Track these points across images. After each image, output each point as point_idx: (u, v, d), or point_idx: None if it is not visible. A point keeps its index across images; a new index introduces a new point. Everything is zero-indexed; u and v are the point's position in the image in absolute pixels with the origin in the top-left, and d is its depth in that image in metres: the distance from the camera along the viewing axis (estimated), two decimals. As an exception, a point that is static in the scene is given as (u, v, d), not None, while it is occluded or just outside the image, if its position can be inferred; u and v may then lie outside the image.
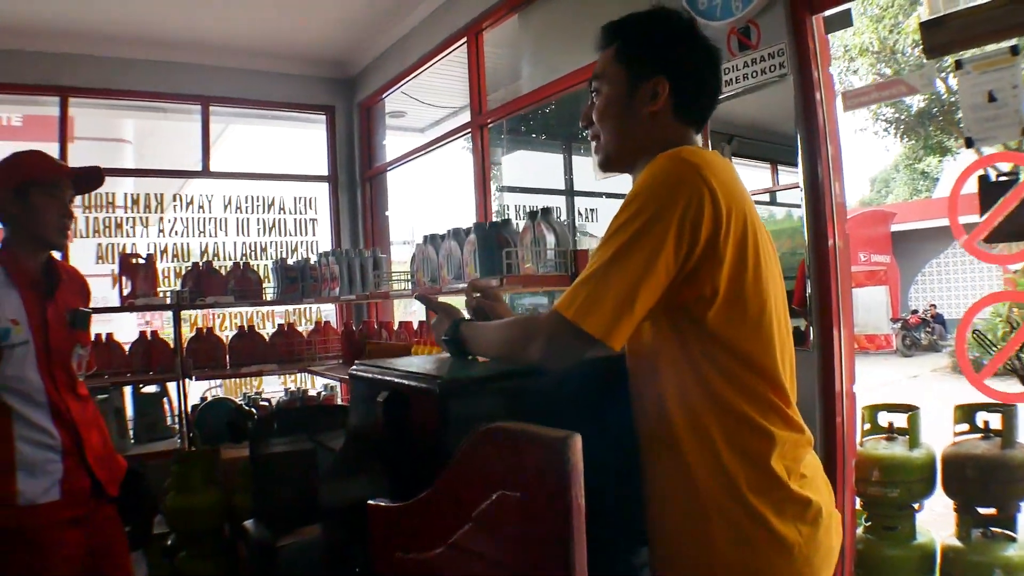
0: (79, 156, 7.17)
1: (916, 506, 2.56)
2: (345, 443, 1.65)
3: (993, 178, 2.40)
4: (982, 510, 2.43)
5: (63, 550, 2.18)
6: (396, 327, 4.25)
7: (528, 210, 5.90)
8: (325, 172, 5.98)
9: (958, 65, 2.37)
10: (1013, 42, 2.27)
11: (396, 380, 1.38)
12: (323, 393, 4.73)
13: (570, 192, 7.52)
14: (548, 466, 0.95)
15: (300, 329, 4.87)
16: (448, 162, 6.08)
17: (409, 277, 3.76)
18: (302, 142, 6.43)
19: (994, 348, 2.40)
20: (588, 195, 7.54)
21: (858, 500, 2.61)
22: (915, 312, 16.77)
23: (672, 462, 1.31)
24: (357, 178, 5.95)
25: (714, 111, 1.52)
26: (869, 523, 2.62)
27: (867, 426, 2.76)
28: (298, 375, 5.03)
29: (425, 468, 1.22)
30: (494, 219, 4.78)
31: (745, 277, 1.28)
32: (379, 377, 1.45)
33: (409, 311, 8.41)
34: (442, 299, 1.98)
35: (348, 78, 5.94)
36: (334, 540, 1.71)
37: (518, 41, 4.40)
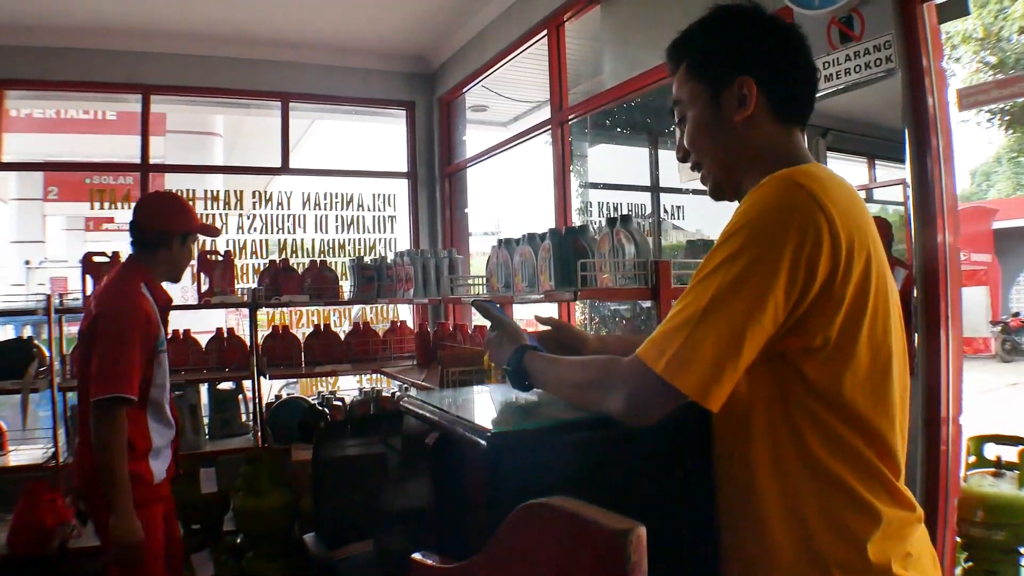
0: (172, 149, 7.44)
1: (1023, 550, 2.29)
2: (396, 469, 1.54)
3: None
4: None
5: (163, 524, 2.62)
6: (471, 331, 4.15)
7: (612, 208, 5.76)
8: (404, 168, 5.94)
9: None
10: None
11: (446, 424, 1.25)
12: (396, 394, 4.67)
13: (656, 188, 7.30)
14: (604, 563, 0.80)
15: (375, 328, 4.83)
16: (530, 158, 5.93)
17: (483, 281, 3.64)
18: (382, 138, 6.41)
19: None
20: (674, 191, 7.31)
21: (959, 539, 2.35)
22: (1016, 315, 15.69)
23: (754, 538, 1.13)
24: (436, 174, 5.88)
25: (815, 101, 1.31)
26: (970, 565, 2.34)
27: (972, 459, 2.48)
28: (372, 375, 4.99)
29: (472, 522, 1.13)
30: (575, 218, 4.64)
31: (863, 325, 1.08)
32: (428, 416, 1.33)
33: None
34: (516, 310, 1.86)
35: (428, 73, 5.87)
36: (387, 558, 1.61)
37: (600, 33, 4.21)
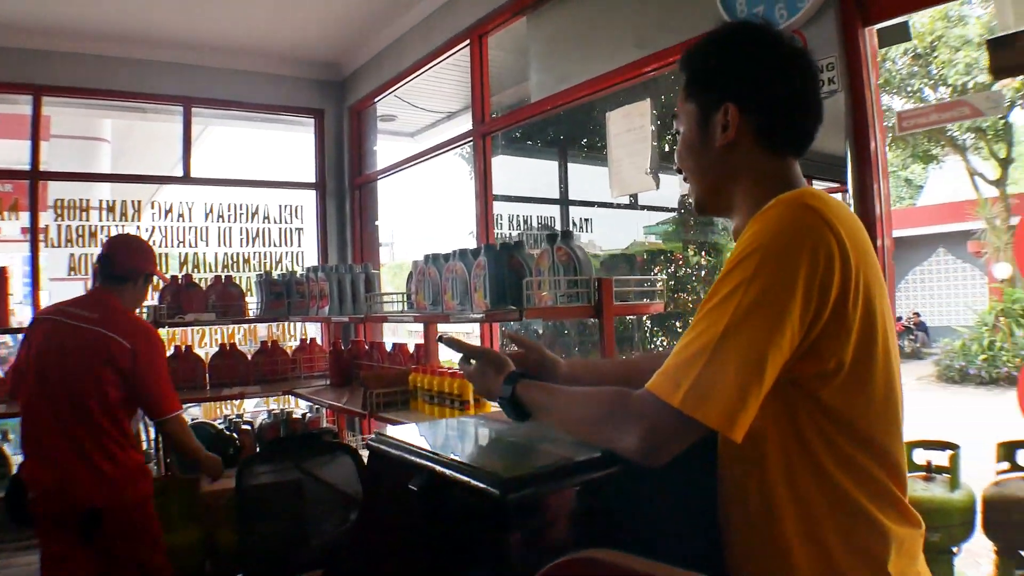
0: (55, 155, 6.87)
1: (955, 549, 2.40)
2: (358, 522, 1.38)
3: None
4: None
5: None
6: (390, 348, 3.97)
7: (520, 221, 5.71)
8: (313, 179, 5.69)
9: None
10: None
11: (439, 468, 1.11)
12: (308, 416, 4.44)
13: (565, 201, 7.32)
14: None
15: (284, 347, 4.58)
16: (440, 170, 5.81)
17: (404, 298, 3.50)
18: (289, 147, 6.15)
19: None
20: (583, 204, 7.35)
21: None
22: (899, 319, 16.75)
23: (776, 564, 1.08)
24: (346, 185, 5.67)
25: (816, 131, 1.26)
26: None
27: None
28: (281, 396, 4.74)
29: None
30: (495, 232, 4.55)
31: (875, 348, 1.06)
32: (412, 459, 1.18)
33: (402, 331, 8.14)
34: (447, 329, 1.76)
35: (339, 80, 5.67)
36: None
37: (525, 46, 4.14)
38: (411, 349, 3.82)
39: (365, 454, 1.48)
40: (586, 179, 7.89)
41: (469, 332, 5.73)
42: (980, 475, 2.58)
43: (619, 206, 7.96)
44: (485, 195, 4.33)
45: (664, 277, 6.93)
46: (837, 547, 1.05)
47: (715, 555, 1.17)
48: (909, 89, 14.42)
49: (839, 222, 1.04)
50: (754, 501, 1.11)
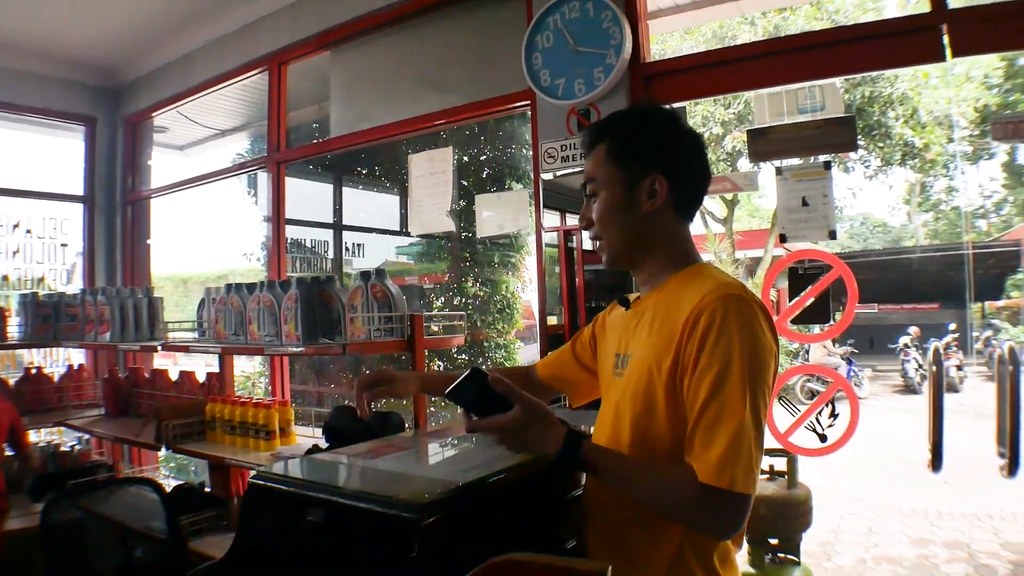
0: None
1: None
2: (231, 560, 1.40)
3: (801, 271, 2.70)
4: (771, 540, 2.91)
5: None
6: (175, 378, 3.82)
7: (296, 244, 5.71)
8: (81, 192, 5.26)
9: (778, 171, 2.64)
10: (826, 158, 2.59)
11: (341, 500, 1.18)
12: (78, 448, 4.12)
13: (339, 226, 7.34)
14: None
15: (48, 372, 4.22)
16: (213, 189, 5.59)
17: (194, 325, 3.42)
18: (54, 155, 5.61)
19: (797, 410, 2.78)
20: (357, 230, 7.43)
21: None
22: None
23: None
24: (118, 201, 5.31)
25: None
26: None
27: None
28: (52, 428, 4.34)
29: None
30: (260, 252, 4.47)
31: None
32: (306, 492, 1.24)
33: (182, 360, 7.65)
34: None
35: (114, 88, 5.31)
36: None
37: (326, 76, 4.20)
38: (201, 378, 3.71)
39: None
40: (360, 204, 8.00)
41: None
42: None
43: (388, 232, 8.16)
44: (278, 221, 4.32)
45: (440, 305, 7.23)
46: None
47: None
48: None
49: None
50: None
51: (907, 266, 20.42)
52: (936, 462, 2.28)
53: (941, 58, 2.41)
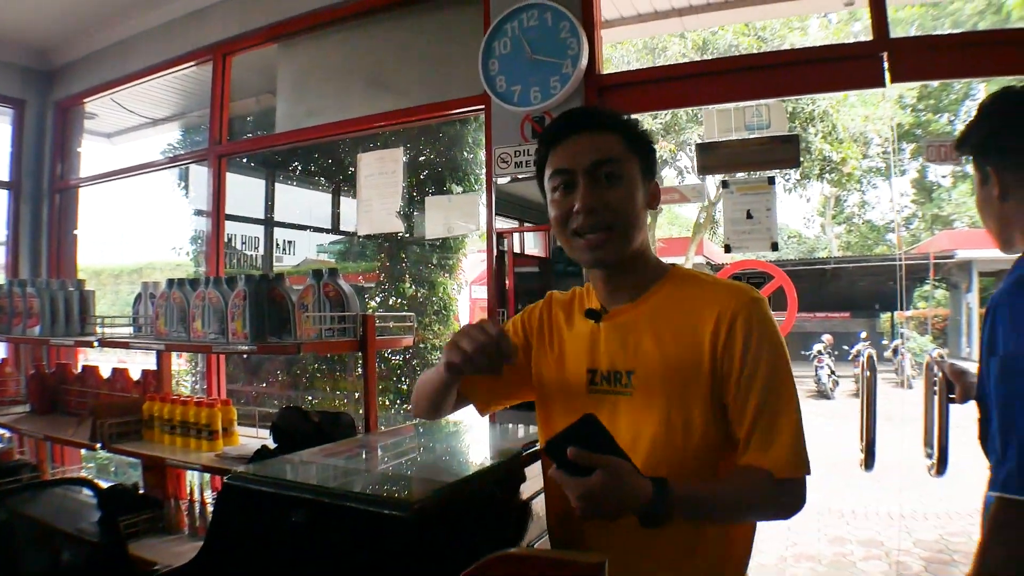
0: None
1: None
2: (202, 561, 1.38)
3: (743, 280, 2.81)
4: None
5: None
6: (108, 375, 3.69)
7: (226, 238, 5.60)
8: (7, 178, 5.02)
9: (725, 185, 2.74)
10: (771, 173, 2.70)
11: (329, 500, 1.18)
12: (0, 446, 3.94)
13: (270, 222, 7.22)
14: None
15: (-36, 367, 4.03)
16: (145, 180, 5.41)
17: (130, 321, 3.33)
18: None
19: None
20: (289, 226, 7.32)
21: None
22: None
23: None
24: (45, 189, 5.10)
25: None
26: None
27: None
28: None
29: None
30: (188, 247, 4.36)
31: None
32: (291, 493, 1.23)
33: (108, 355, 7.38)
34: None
35: (46, 71, 5.09)
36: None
37: (274, 70, 4.13)
38: (135, 375, 3.59)
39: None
40: (294, 202, 7.89)
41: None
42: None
43: (321, 230, 8.06)
44: (218, 215, 4.22)
45: (375, 304, 7.18)
46: None
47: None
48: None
49: None
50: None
51: (820, 276, 21.20)
52: (869, 461, 2.40)
53: (881, 83, 2.55)
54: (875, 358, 2.53)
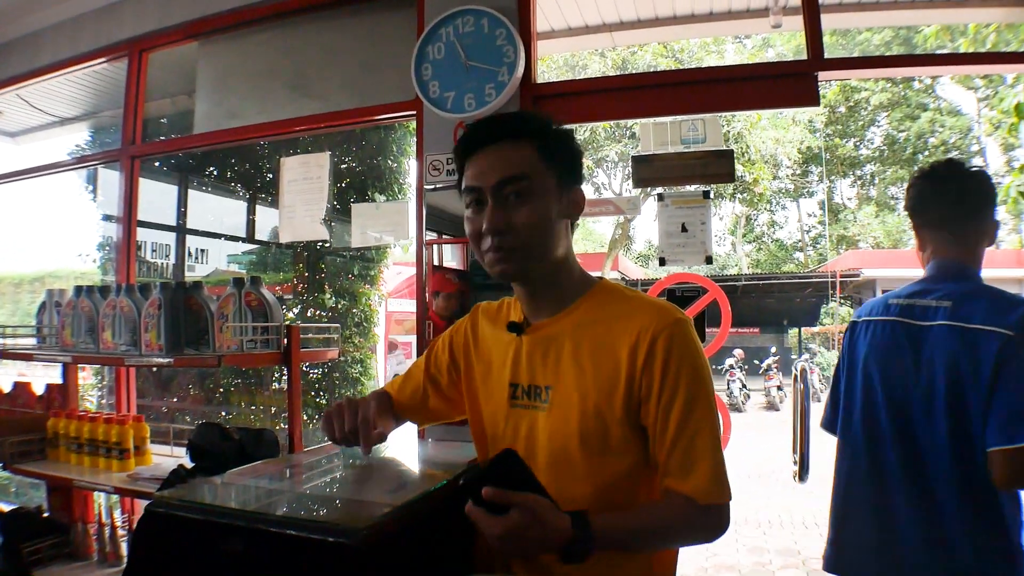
0: None
1: None
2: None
3: (679, 293, 2.81)
4: None
5: None
6: (10, 388, 3.43)
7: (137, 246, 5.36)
8: None
9: (660, 198, 2.74)
10: (705, 187, 2.72)
11: (266, 527, 1.07)
12: None
13: (182, 229, 6.95)
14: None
15: None
16: (46, 181, 5.10)
17: (33, 331, 3.11)
18: None
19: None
20: (202, 234, 7.06)
21: None
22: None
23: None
24: (-65, 186, 4.74)
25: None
26: None
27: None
28: None
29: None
30: (96, 254, 4.15)
31: None
32: (223, 521, 1.11)
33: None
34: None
35: (-58, 62, 4.72)
36: None
37: (193, 69, 3.95)
38: (38, 390, 3.34)
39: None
40: (207, 208, 7.62)
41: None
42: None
43: (235, 239, 7.80)
44: (129, 220, 4.00)
45: (293, 316, 6.96)
46: None
47: None
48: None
49: None
50: None
51: (731, 293, 21.87)
52: (803, 473, 2.43)
53: (815, 102, 2.60)
54: (808, 371, 2.56)
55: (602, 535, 1.17)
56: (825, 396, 2.17)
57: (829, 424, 2.13)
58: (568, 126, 1.42)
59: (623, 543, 1.23)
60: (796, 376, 2.54)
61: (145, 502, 1.56)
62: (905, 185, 2.16)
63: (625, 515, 1.25)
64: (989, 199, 1.90)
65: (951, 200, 1.88)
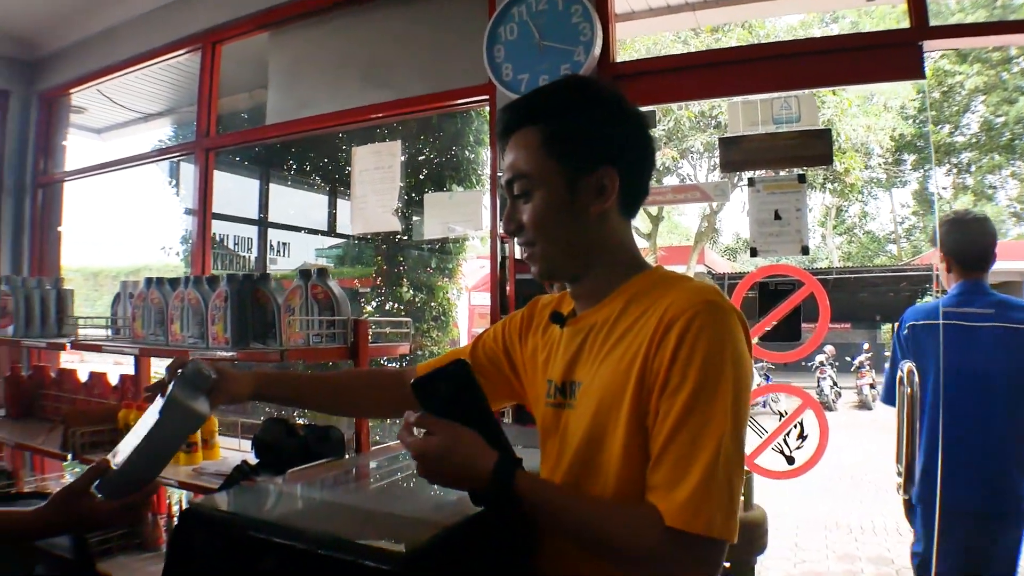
0: None
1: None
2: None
3: (772, 286, 2.59)
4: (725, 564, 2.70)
5: None
6: (85, 379, 3.47)
7: (218, 239, 5.39)
8: (-11, 172, 4.78)
9: (751, 183, 2.52)
10: (800, 170, 2.49)
11: (302, 546, 0.97)
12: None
13: (264, 223, 7.03)
14: None
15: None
16: (132, 176, 5.19)
17: (108, 322, 3.11)
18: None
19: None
20: (283, 228, 7.12)
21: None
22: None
23: None
24: (28, 183, 4.87)
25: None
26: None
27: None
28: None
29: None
30: (179, 247, 4.19)
31: None
32: (251, 534, 1.02)
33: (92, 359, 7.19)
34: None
35: (30, 60, 4.84)
36: None
37: (265, 60, 3.92)
38: (113, 380, 3.36)
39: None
40: (288, 202, 7.69)
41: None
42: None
43: (316, 232, 7.85)
44: (204, 212, 4.00)
45: (371, 309, 6.96)
46: None
47: None
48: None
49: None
50: None
51: (822, 286, 21.07)
52: (908, 485, 2.20)
53: (920, 75, 2.34)
54: (914, 372, 2.31)
55: (528, 493, 1.05)
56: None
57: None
58: (648, 108, 1.25)
59: (550, 517, 1.07)
60: (902, 378, 2.28)
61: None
62: (1004, 173, 2.17)
63: (570, 492, 1.12)
64: None
65: None
